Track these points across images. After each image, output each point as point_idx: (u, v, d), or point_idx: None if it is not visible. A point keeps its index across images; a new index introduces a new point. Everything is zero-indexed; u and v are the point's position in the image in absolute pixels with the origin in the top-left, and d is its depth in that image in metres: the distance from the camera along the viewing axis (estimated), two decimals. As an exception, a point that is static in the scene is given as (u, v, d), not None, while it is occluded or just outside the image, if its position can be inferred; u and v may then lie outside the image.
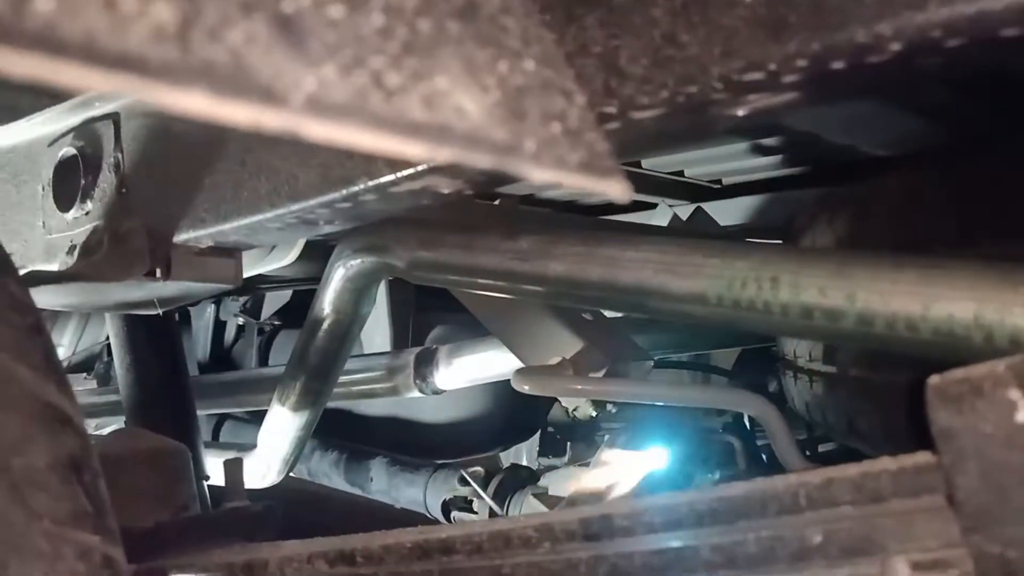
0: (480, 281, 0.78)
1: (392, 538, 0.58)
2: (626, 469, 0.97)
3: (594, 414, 0.96)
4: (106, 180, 0.82)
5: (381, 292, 1.61)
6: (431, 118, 0.23)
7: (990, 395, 0.33)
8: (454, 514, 1.54)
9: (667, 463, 1.03)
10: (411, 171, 0.60)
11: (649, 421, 1.32)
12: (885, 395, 0.79)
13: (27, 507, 0.39)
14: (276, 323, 2.08)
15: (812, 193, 1.43)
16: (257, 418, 1.88)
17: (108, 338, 1.49)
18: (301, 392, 1.03)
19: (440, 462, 1.64)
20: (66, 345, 1.90)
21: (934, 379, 0.35)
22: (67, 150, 0.85)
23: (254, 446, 1.18)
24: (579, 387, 0.86)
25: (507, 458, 2.05)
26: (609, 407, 1.02)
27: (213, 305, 2.13)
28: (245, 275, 0.96)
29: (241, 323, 2.09)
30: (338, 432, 1.80)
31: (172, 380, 1.21)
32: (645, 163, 1.43)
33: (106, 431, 1.65)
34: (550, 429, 1.99)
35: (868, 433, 0.86)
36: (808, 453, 1.37)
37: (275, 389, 1.09)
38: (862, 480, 0.39)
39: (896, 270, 0.55)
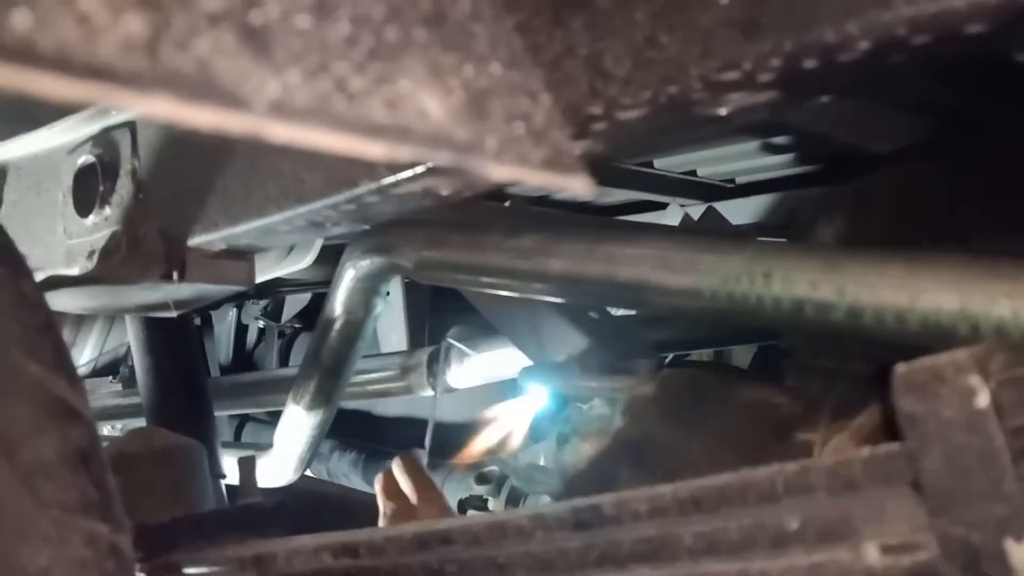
0: (484, 279, 0.80)
1: (394, 531, 0.59)
2: (513, 417, 1.00)
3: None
4: (123, 186, 0.85)
5: (397, 292, 1.63)
6: (393, 119, 0.24)
7: (952, 382, 0.34)
8: (470, 513, 1.56)
9: (547, 401, 1.05)
10: (410, 173, 0.62)
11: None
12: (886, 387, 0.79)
13: (36, 496, 0.41)
14: (296, 326, 2.12)
15: (829, 192, 1.43)
16: (276, 419, 1.91)
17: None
18: (315, 392, 1.05)
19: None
20: (91, 349, 1.95)
21: (900, 367, 0.36)
22: (86, 158, 0.88)
23: (272, 446, 1.21)
24: (585, 384, 0.87)
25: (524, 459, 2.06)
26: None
27: (235, 309, 2.17)
28: (264, 279, 0.98)
29: (262, 326, 2.13)
30: (356, 433, 1.83)
31: (190, 381, 1.24)
32: (658, 163, 1.44)
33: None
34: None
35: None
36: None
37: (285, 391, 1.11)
38: (836, 468, 0.40)
39: (884, 264, 0.56)
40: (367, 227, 0.93)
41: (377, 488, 1.02)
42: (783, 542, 0.41)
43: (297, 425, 1.09)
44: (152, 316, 0.99)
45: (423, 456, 1.38)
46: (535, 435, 1.07)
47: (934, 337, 0.53)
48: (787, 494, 0.41)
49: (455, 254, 0.82)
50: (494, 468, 1.65)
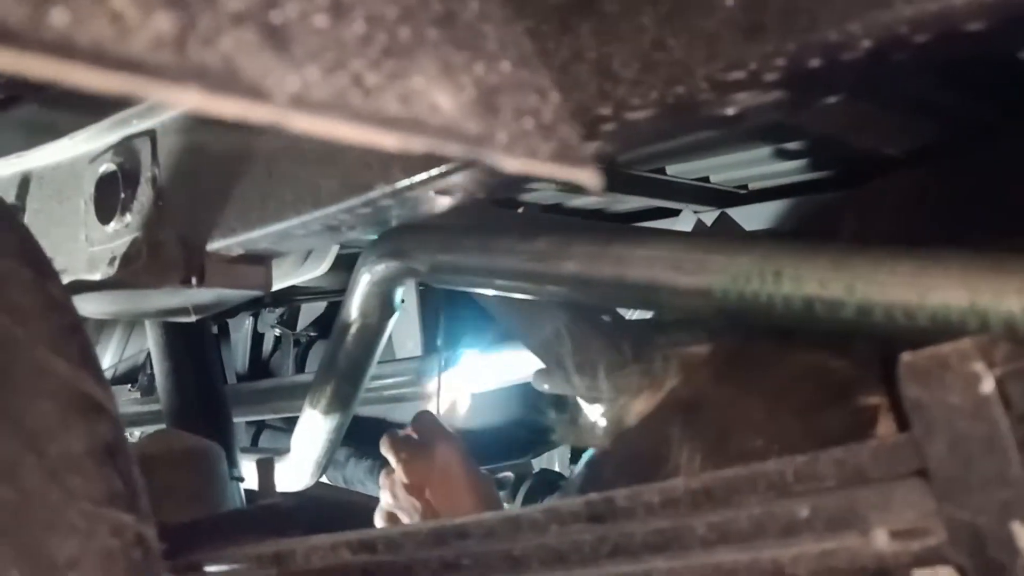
0: (498, 282, 0.81)
1: (411, 527, 0.60)
2: (451, 386, 1.04)
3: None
4: (144, 194, 0.87)
5: (412, 299, 1.64)
6: (406, 113, 0.26)
7: (956, 369, 0.35)
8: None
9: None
10: (425, 176, 0.63)
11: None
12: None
13: (64, 488, 0.42)
14: (311, 334, 2.13)
15: (838, 196, 1.43)
16: (292, 425, 1.93)
17: (149, 349, 1.55)
18: (332, 396, 1.06)
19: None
20: (110, 357, 1.98)
21: (906, 356, 0.37)
22: (107, 166, 0.90)
23: (289, 451, 1.22)
24: (597, 386, 0.87)
25: (538, 465, 2.07)
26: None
27: (251, 318, 2.20)
28: (280, 286, 1.00)
29: (278, 334, 2.14)
30: (372, 440, 1.84)
31: (209, 386, 1.26)
32: (670, 170, 1.45)
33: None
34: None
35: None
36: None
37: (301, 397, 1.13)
38: (845, 457, 0.40)
39: (893, 261, 0.57)
40: (381, 232, 0.94)
41: (386, 448, 1.02)
42: (793, 530, 0.41)
43: (314, 429, 1.11)
44: (171, 321, 1.00)
45: None
46: None
47: (943, 333, 0.54)
48: (797, 484, 0.42)
49: (469, 257, 0.83)
50: (509, 474, 1.66)
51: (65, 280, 0.90)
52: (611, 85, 0.49)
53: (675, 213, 1.66)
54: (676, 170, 1.46)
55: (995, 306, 0.53)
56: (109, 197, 0.90)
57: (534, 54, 0.33)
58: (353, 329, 0.99)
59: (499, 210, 1.15)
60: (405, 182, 0.64)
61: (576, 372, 0.84)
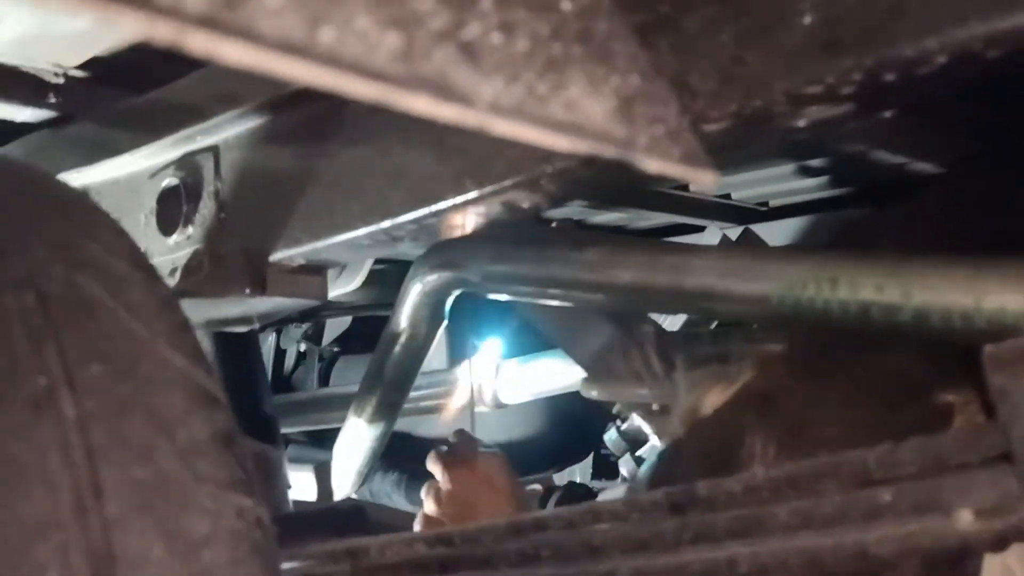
0: (551, 291, 0.84)
1: (488, 521, 0.63)
2: (477, 373, 1.07)
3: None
4: (206, 207, 0.90)
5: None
6: (571, 119, 0.29)
7: (1040, 357, 0.38)
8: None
9: (503, 350, 1.13)
10: (494, 187, 0.66)
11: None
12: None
13: (193, 471, 0.45)
14: (335, 350, 2.16)
15: (857, 213, 1.47)
16: (313, 438, 1.96)
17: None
18: (377, 405, 1.09)
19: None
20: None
21: (989, 347, 0.40)
22: (170, 180, 0.93)
23: (314, 463, 1.26)
24: (644, 392, 0.91)
25: (559, 480, 2.09)
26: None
27: (275, 333, 2.22)
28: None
29: (303, 350, 2.17)
30: (398, 453, 1.86)
31: (259, 395, 1.29)
32: (693, 187, 1.48)
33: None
34: (603, 451, 2.03)
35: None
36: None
37: (338, 408, 1.15)
38: (927, 444, 0.43)
39: (949, 267, 0.60)
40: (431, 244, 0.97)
41: (436, 468, 1.07)
42: (877, 514, 0.44)
43: (358, 438, 1.13)
44: (226, 331, 1.03)
45: None
46: None
47: (1000, 335, 0.57)
48: (880, 471, 0.44)
49: (522, 267, 0.86)
50: (537, 486, 1.68)
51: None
52: (689, 98, 0.52)
53: (695, 229, 1.70)
54: (700, 187, 1.49)
55: (1050, 307, 0.56)
56: (171, 210, 0.93)
57: (652, 68, 0.36)
58: (402, 339, 1.01)
59: (541, 225, 1.18)
60: (474, 193, 0.67)
61: (629, 377, 0.87)
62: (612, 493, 1.45)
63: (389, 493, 1.84)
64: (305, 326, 2.13)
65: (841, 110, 0.50)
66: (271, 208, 0.86)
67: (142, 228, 0.97)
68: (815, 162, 1.30)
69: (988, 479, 0.40)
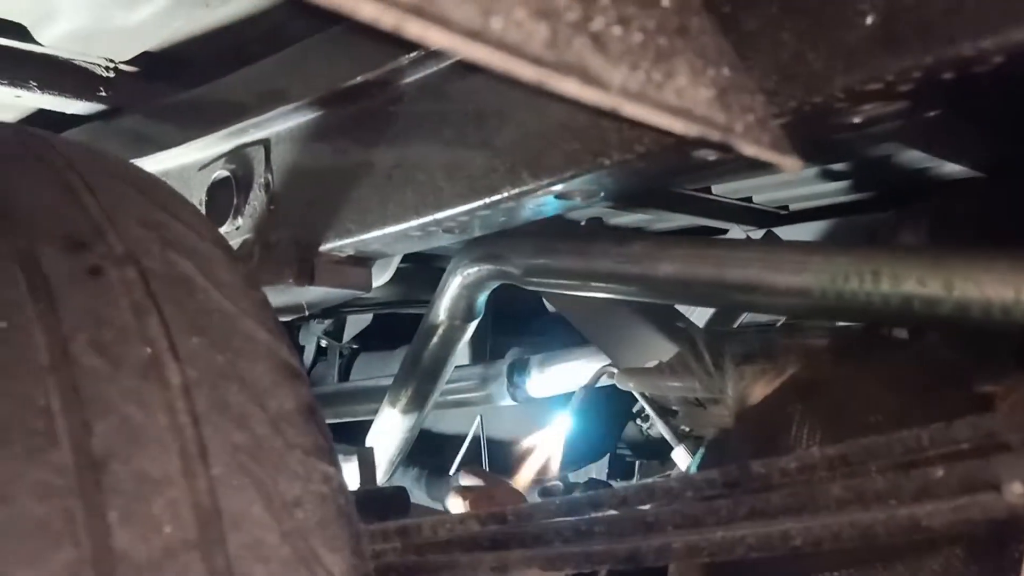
0: (592, 284, 0.86)
1: (541, 502, 0.65)
2: (548, 444, 1.10)
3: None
4: (257, 198, 0.93)
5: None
6: (683, 104, 0.31)
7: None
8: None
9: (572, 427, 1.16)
10: (552, 178, 0.69)
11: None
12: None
13: (284, 438, 0.48)
14: (354, 346, 2.19)
15: (878, 217, 1.49)
16: (335, 431, 1.98)
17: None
18: (412, 395, 1.12)
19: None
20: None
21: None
22: (220, 172, 0.96)
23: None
24: (679, 385, 0.93)
25: (576, 479, 2.10)
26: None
27: (294, 331, 2.25)
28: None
29: (323, 345, 2.19)
30: (419, 449, 1.89)
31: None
32: (715, 189, 1.51)
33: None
34: (620, 451, 2.04)
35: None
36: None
37: (362, 402, 1.17)
38: (978, 423, 0.46)
39: (989, 260, 0.62)
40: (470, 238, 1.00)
41: (458, 504, 1.09)
42: (928, 489, 0.47)
43: (392, 428, 1.16)
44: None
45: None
46: None
47: (1038, 326, 0.59)
48: (932, 446, 0.47)
49: (564, 260, 0.89)
50: (558, 483, 1.70)
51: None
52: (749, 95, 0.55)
53: (713, 231, 1.72)
54: (721, 190, 1.51)
55: (1087, 301, 0.58)
56: (221, 201, 0.96)
57: (738, 61, 0.39)
58: (440, 330, 1.04)
59: (572, 222, 1.21)
60: (531, 185, 0.70)
61: (668, 371, 0.90)
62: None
63: (410, 488, 1.86)
64: (327, 322, 2.16)
65: (896, 107, 0.53)
66: (321, 200, 0.89)
67: (191, 218, 0.99)
68: (837, 166, 1.32)
69: (1040, 455, 0.43)
